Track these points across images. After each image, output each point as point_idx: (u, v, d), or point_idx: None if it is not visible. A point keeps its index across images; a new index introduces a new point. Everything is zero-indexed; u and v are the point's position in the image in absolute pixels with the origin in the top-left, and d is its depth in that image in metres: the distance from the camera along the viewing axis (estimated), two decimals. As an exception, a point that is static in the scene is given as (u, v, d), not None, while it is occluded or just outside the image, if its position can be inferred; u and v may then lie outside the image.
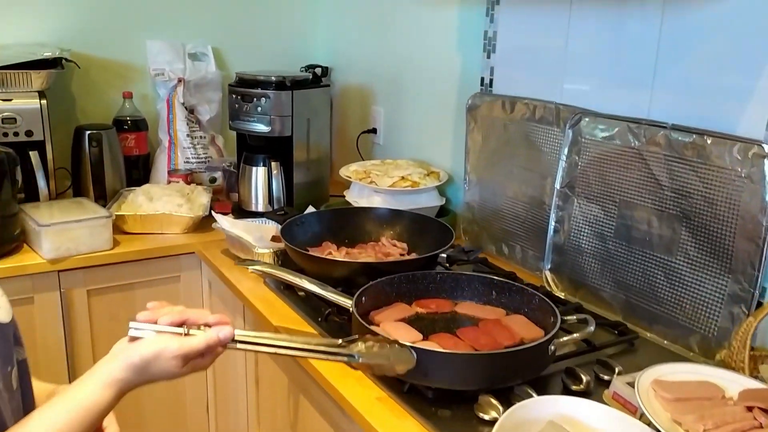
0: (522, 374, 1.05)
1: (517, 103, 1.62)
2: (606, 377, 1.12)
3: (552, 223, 1.51)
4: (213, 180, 2.23)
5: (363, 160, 2.25)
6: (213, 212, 1.74)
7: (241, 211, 1.95)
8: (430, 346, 1.13)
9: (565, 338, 1.11)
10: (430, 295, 1.34)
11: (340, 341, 1.00)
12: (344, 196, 1.90)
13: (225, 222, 1.67)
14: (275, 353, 0.95)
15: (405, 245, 1.58)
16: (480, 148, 1.75)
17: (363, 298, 1.23)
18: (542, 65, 1.58)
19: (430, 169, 1.93)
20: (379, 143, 2.24)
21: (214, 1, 2.29)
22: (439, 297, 1.34)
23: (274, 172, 1.87)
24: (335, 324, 1.30)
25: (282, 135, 1.85)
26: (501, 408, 0.99)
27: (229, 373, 1.74)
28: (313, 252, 1.51)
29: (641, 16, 1.34)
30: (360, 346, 1.00)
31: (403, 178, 1.81)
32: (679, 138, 1.24)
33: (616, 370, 1.13)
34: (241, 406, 1.67)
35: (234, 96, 1.87)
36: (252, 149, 1.93)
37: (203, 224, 1.88)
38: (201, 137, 2.22)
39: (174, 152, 2.18)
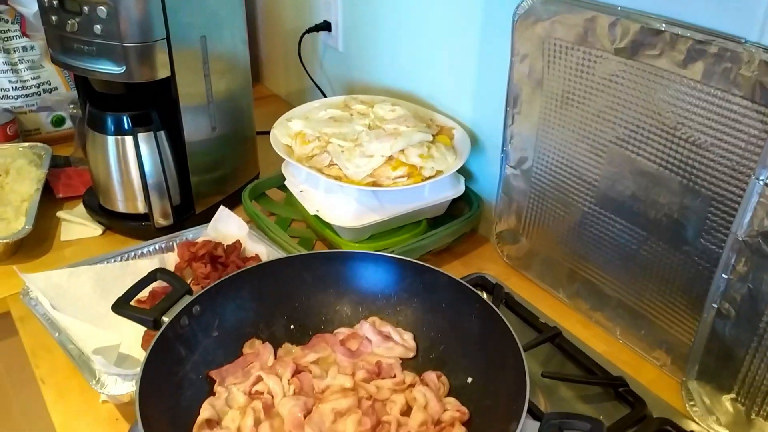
0: None
1: (642, 26, 0.75)
2: None
3: (716, 298, 0.73)
4: (58, 121, 1.33)
5: (310, 77, 1.37)
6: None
7: (100, 208, 1.09)
8: None
9: None
10: None
11: None
12: (281, 167, 1.07)
13: (42, 290, 0.83)
14: None
15: (411, 340, 0.79)
16: (540, 96, 0.91)
17: None
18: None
19: (434, 120, 1.08)
20: (336, 49, 1.33)
21: None
22: None
23: (144, 147, 0.99)
24: None
25: (150, 79, 0.95)
26: None
27: None
28: (226, 381, 0.72)
29: None
30: None
31: (390, 158, 0.96)
32: None
33: None
34: None
35: (47, 1, 0.93)
36: (101, 102, 1.03)
37: (32, 239, 1.04)
38: (26, 49, 1.28)
39: (-20, 81, 1.25)
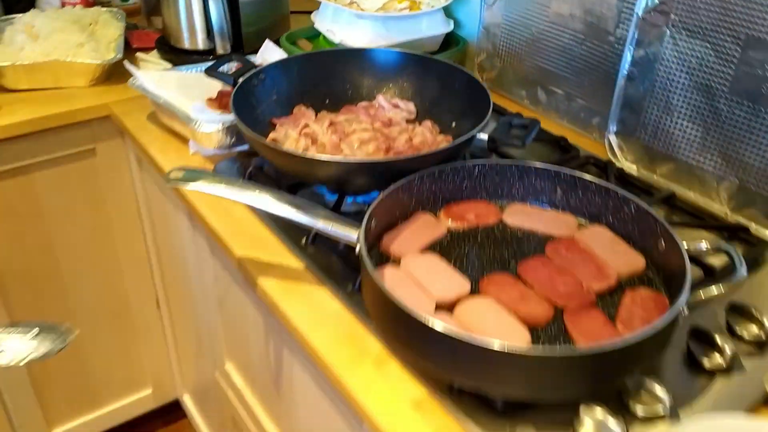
0: (640, 364, 0.67)
1: None
2: (747, 335, 0.75)
3: (625, 66, 1.04)
4: (126, -4, 1.63)
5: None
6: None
7: (169, 49, 1.40)
8: (487, 309, 0.72)
9: (704, 296, 0.71)
10: (463, 196, 0.91)
11: None
12: (311, 16, 1.37)
13: (147, 79, 1.15)
14: None
15: (411, 106, 1.10)
16: (507, -54, 1.21)
17: (372, 223, 0.80)
18: None
19: (431, -24, 1.38)
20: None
21: None
22: (477, 198, 0.91)
23: (209, -8, 1.30)
24: (327, 249, 0.88)
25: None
26: (616, 429, 0.62)
27: (180, 277, 1.33)
28: (283, 126, 1.03)
29: None
30: None
31: (396, -5, 1.27)
32: None
33: (767, 324, 0.75)
34: (202, 324, 1.28)
35: None
36: (173, -42, 1.33)
37: (118, 71, 1.35)
38: (100, -67, 1.58)
39: (64, -41, 1.55)
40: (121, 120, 1.22)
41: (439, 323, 0.62)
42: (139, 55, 1.41)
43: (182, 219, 1.17)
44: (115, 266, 1.46)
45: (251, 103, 1.02)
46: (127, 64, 1.17)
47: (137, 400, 1.62)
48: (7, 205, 1.28)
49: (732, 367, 0.71)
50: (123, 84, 1.33)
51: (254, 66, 1.06)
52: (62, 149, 1.29)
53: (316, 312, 0.80)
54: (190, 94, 1.16)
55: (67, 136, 1.28)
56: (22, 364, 0.62)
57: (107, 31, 1.39)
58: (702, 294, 0.69)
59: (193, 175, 0.79)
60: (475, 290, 0.76)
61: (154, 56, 1.41)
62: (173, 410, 1.73)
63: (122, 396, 1.60)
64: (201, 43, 1.36)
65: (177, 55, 1.39)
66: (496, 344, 0.60)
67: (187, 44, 1.37)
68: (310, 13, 1.38)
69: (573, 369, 0.62)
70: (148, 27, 1.56)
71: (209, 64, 1.25)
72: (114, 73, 1.34)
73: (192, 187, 0.78)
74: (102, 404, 1.58)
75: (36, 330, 0.62)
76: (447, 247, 0.83)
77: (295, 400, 0.97)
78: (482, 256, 0.82)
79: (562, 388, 0.63)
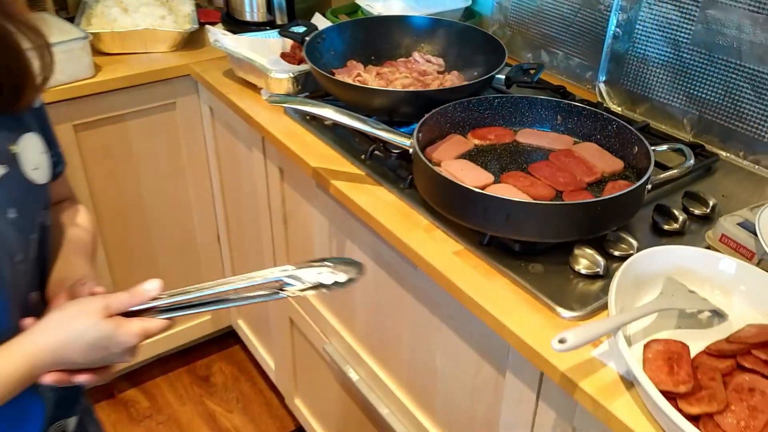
0: (617, 220, 0.94)
1: None
2: (697, 212, 1.02)
3: (612, 28, 1.32)
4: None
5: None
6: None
7: (233, 21, 1.68)
8: (507, 189, 1.00)
9: (663, 176, 0.99)
10: (485, 123, 1.18)
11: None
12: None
13: (227, 40, 1.42)
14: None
15: (441, 61, 1.38)
16: (517, -66, 1.48)
17: (420, 135, 1.07)
18: None
19: (452, -39, 1.66)
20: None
21: None
22: (495, 125, 1.18)
23: (270, -27, 1.58)
24: (383, 161, 1.15)
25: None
26: (600, 260, 0.89)
27: (244, 207, 1.61)
28: (340, 75, 1.31)
29: None
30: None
31: (425, -26, 1.54)
32: None
33: (711, 204, 1.02)
34: (265, 243, 1.55)
35: None
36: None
37: (192, 39, 1.62)
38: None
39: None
40: (202, 76, 1.50)
41: (476, 188, 0.89)
42: (207, 27, 1.68)
43: (255, 153, 1.44)
44: (186, 204, 1.73)
45: (316, 56, 1.29)
46: (210, 29, 1.45)
47: (198, 324, 1.89)
48: (106, 147, 1.55)
49: (684, 230, 0.98)
50: (197, 49, 1.61)
51: (316, 28, 1.34)
52: (149, 102, 1.56)
53: (378, 201, 1.07)
54: (258, 53, 1.44)
55: (153, 92, 1.55)
56: (313, 293, 0.73)
57: (182, 7, 1.67)
58: (662, 175, 0.97)
59: (284, 98, 1.07)
60: (497, 182, 1.03)
61: (219, 28, 1.69)
62: (227, 338, 2.00)
63: (186, 320, 1.87)
64: (261, 16, 1.64)
65: (239, 26, 1.66)
66: (516, 198, 0.87)
67: (248, 17, 1.64)
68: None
69: (567, 216, 0.89)
70: (208, 6, 1.84)
71: (270, 31, 1.53)
72: (189, 41, 1.62)
73: (288, 105, 1.05)
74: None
75: (331, 264, 0.74)
76: (474, 157, 1.10)
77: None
78: (501, 162, 1.09)
79: (561, 231, 0.90)
